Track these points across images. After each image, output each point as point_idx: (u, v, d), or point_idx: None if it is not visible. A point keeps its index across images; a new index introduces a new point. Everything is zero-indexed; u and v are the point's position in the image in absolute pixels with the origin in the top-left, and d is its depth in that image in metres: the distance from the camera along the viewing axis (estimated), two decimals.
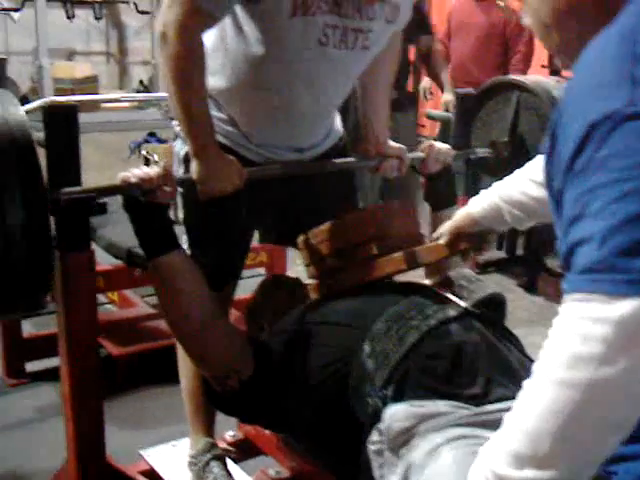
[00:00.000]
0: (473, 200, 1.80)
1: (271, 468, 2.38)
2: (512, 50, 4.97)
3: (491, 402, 1.45)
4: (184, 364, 2.20)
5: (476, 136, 2.79)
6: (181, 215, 2.12)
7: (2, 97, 1.63)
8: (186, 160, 1.98)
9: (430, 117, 5.26)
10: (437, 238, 1.83)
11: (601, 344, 0.84)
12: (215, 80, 1.93)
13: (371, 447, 1.48)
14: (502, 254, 4.99)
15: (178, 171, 2.05)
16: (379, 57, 2.07)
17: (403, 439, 1.43)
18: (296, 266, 4.19)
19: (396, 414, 1.45)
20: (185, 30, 1.72)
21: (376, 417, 1.48)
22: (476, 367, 1.51)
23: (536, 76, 2.78)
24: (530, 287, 4.61)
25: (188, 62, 1.76)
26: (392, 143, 2.23)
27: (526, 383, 0.93)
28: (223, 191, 1.85)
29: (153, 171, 1.73)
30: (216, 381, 1.77)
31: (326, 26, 1.81)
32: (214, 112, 1.96)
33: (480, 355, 1.54)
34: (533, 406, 0.90)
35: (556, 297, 4.46)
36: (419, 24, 4.50)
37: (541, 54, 5.04)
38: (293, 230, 2.01)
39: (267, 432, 2.42)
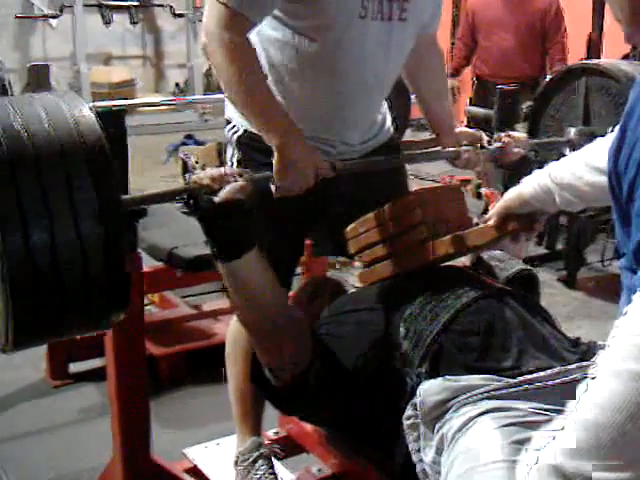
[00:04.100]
0: (525, 180, 1.76)
1: (314, 465, 2.39)
2: (550, 41, 5.01)
3: (524, 374, 1.46)
4: (234, 366, 2.18)
5: (549, 130, 2.72)
6: None
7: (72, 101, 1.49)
8: (239, 143, 1.97)
9: (470, 113, 5.22)
10: (487, 220, 1.79)
11: None
12: None
13: (406, 422, 1.50)
14: (542, 249, 4.94)
15: (233, 157, 2.01)
16: (423, 47, 2.08)
17: (437, 412, 1.45)
18: (335, 265, 4.22)
19: (430, 388, 1.47)
20: (226, 29, 1.72)
21: (413, 395, 1.51)
22: (508, 340, 1.54)
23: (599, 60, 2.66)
24: (570, 282, 4.57)
25: (236, 51, 1.73)
26: (465, 129, 2.17)
27: (589, 376, 0.91)
28: (299, 190, 1.74)
29: (227, 169, 1.62)
30: (271, 371, 1.74)
31: None
32: None
33: (512, 328, 1.56)
34: (594, 398, 0.89)
35: (596, 292, 4.43)
36: None
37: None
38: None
39: (309, 429, 2.43)
